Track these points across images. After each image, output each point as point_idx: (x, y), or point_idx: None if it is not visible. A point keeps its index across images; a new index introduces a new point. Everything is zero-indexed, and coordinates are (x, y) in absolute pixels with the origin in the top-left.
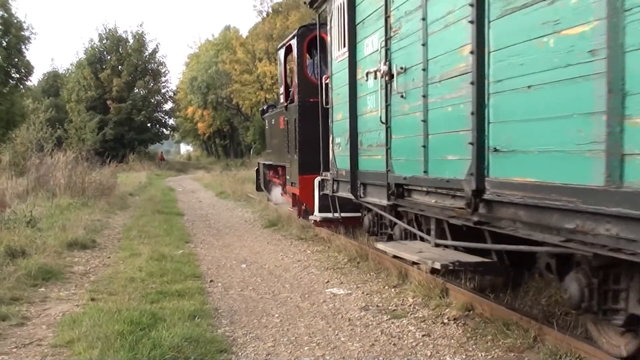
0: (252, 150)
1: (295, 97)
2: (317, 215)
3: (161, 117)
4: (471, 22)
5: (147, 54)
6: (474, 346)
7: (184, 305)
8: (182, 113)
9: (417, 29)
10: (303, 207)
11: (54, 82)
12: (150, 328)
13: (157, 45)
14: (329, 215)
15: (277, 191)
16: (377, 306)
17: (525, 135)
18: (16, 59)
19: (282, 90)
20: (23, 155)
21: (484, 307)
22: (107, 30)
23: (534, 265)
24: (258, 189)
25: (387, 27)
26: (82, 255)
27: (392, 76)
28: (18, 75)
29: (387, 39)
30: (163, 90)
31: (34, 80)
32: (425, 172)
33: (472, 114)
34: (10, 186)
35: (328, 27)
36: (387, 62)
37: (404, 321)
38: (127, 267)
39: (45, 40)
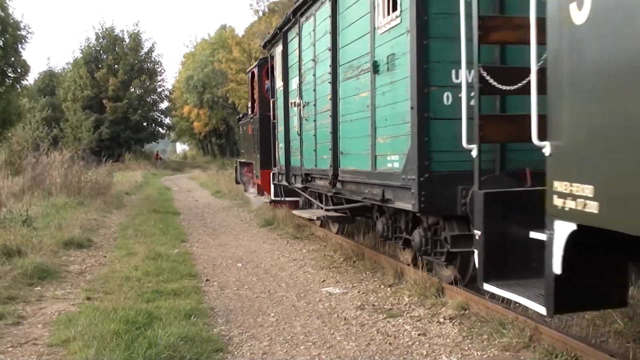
0: None
1: (257, 111)
2: (272, 198)
3: (157, 116)
4: (330, 82)
5: (143, 53)
6: (469, 345)
7: (179, 305)
8: (178, 112)
9: (311, 80)
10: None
11: (50, 81)
12: (146, 327)
13: (153, 45)
14: (278, 198)
15: (248, 185)
16: (373, 305)
17: (351, 145)
18: (13, 59)
19: (249, 104)
20: (19, 154)
21: (479, 307)
22: (104, 29)
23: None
24: (236, 182)
25: (300, 75)
26: (78, 254)
27: (302, 106)
28: (14, 75)
29: (300, 82)
30: (159, 90)
31: (30, 79)
32: (315, 165)
33: (331, 133)
34: (7, 185)
35: (275, 63)
36: (300, 97)
37: (400, 320)
38: (123, 266)
39: (42, 40)
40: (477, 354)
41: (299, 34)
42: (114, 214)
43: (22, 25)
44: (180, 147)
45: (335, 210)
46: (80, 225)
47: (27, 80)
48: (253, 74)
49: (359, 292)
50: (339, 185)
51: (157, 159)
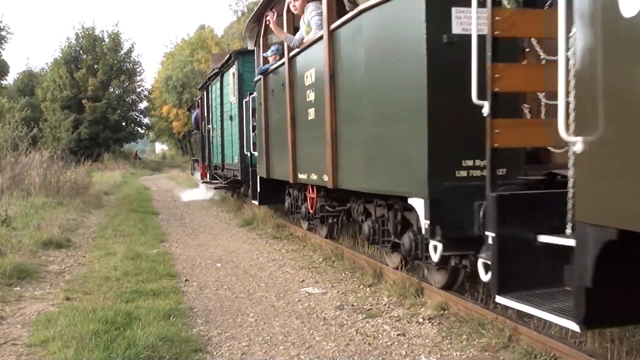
0: None
1: (200, 126)
2: (207, 180)
3: (136, 116)
4: (221, 120)
5: (122, 53)
6: (448, 345)
7: (159, 305)
8: (157, 112)
9: (216, 116)
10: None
11: (29, 82)
12: (125, 327)
13: (132, 45)
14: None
15: (197, 174)
16: (352, 305)
17: (227, 151)
18: None
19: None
20: None
21: (459, 307)
22: (84, 29)
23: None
24: (192, 174)
25: (211, 112)
26: (57, 254)
27: (212, 129)
28: None
29: (211, 116)
30: (138, 90)
31: (9, 79)
32: (218, 161)
33: (221, 145)
34: None
35: (203, 100)
36: (211, 124)
37: (379, 320)
38: (102, 266)
39: (21, 40)
40: (456, 354)
41: (209, 90)
42: (93, 214)
43: (1, 25)
44: (159, 147)
45: (224, 184)
46: (59, 225)
47: (6, 80)
48: (197, 102)
49: (338, 292)
50: (225, 170)
51: (136, 158)
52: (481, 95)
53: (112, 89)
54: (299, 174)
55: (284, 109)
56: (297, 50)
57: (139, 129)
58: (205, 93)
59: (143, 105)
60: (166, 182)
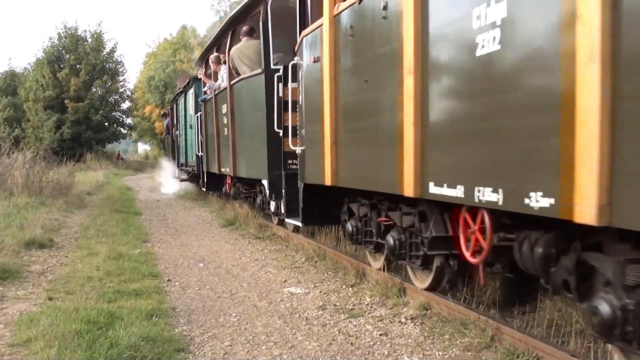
0: None
1: (171, 131)
2: (176, 176)
3: (119, 116)
4: (184, 127)
5: (105, 53)
6: (431, 345)
7: (141, 305)
8: (139, 112)
9: (182, 124)
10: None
11: (11, 81)
12: (107, 327)
13: (115, 45)
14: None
15: (169, 170)
16: (335, 305)
17: (189, 152)
18: None
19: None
20: None
21: (441, 307)
22: (67, 29)
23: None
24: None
25: (178, 120)
26: (40, 254)
27: (179, 135)
28: None
29: (177, 124)
30: (121, 90)
31: None
32: (186, 159)
33: (184, 147)
34: None
35: (172, 111)
36: (178, 130)
37: (362, 320)
38: (85, 266)
39: (3, 40)
40: (439, 354)
41: (177, 104)
42: (76, 214)
43: None
44: (142, 147)
45: (187, 177)
46: (42, 225)
47: None
48: (168, 112)
49: (320, 292)
50: (188, 167)
51: (118, 159)
52: (278, 127)
53: (94, 89)
54: (221, 168)
55: (213, 127)
56: (217, 91)
57: (122, 129)
58: (174, 105)
59: (126, 105)
60: (149, 182)
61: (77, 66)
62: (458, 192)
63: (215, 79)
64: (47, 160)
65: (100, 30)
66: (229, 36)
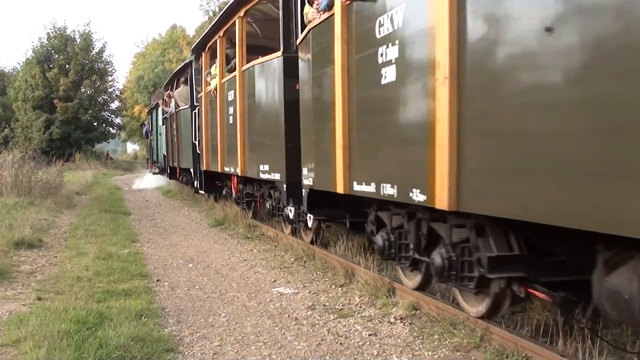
0: None
1: (149, 136)
2: (153, 172)
3: (108, 116)
4: (158, 134)
5: (94, 53)
6: (420, 345)
7: (130, 305)
8: (128, 112)
9: (155, 130)
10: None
11: (0, 81)
12: (96, 327)
13: (104, 45)
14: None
15: (151, 168)
16: (324, 305)
17: (160, 151)
18: None
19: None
20: None
21: (430, 307)
22: (56, 29)
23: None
24: (146, 167)
25: (152, 127)
26: (29, 254)
27: (153, 139)
28: None
29: (151, 130)
30: (110, 90)
31: None
32: (157, 157)
33: (156, 148)
34: None
35: (149, 120)
36: (153, 135)
37: (351, 320)
38: (74, 267)
39: None
40: (428, 354)
41: (152, 115)
42: (65, 214)
43: None
44: (131, 147)
45: (159, 172)
46: (31, 225)
47: None
48: (146, 120)
49: (309, 292)
50: (159, 163)
51: (107, 159)
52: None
53: (83, 89)
54: (173, 163)
55: (170, 138)
56: (170, 114)
57: (111, 129)
58: (149, 116)
59: (115, 105)
60: (138, 182)
61: (66, 66)
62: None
63: (169, 106)
64: (36, 160)
65: (89, 30)
66: (175, 82)
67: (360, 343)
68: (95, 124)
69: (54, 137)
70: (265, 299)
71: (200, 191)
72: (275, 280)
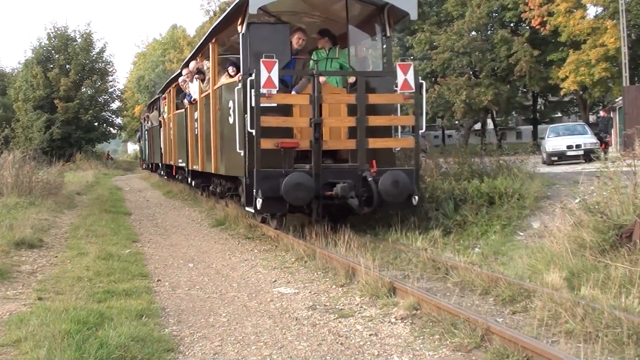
0: None
1: (141, 140)
2: (143, 168)
3: (108, 116)
4: (154, 136)
5: (94, 53)
6: (421, 345)
7: (131, 305)
8: (129, 112)
9: (145, 137)
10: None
11: (0, 81)
12: (97, 327)
13: (104, 45)
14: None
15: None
16: (325, 305)
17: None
18: None
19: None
20: None
21: (431, 307)
22: (56, 29)
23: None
24: (141, 166)
25: (142, 133)
26: (30, 254)
27: (144, 142)
28: None
29: (142, 135)
30: (110, 90)
31: None
32: (145, 156)
33: (143, 149)
34: None
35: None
36: (144, 139)
37: (352, 320)
38: (75, 267)
39: None
40: (429, 354)
41: (142, 125)
42: (66, 214)
43: None
44: (132, 147)
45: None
46: (31, 225)
47: None
48: (139, 128)
49: (310, 292)
50: (146, 162)
51: (108, 159)
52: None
53: (84, 89)
54: (155, 161)
55: (150, 144)
56: (152, 127)
57: (111, 129)
58: (141, 125)
59: (115, 105)
60: (138, 182)
61: (67, 66)
62: (181, 163)
63: (148, 123)
64: (36, 160)
65: (90, 31)
66: (151, 107)
67: (361, 343)
68: (95, 124)
69: (54, 137)
70: (265, 299)
71: (161, 173)
72: (275, 280)
